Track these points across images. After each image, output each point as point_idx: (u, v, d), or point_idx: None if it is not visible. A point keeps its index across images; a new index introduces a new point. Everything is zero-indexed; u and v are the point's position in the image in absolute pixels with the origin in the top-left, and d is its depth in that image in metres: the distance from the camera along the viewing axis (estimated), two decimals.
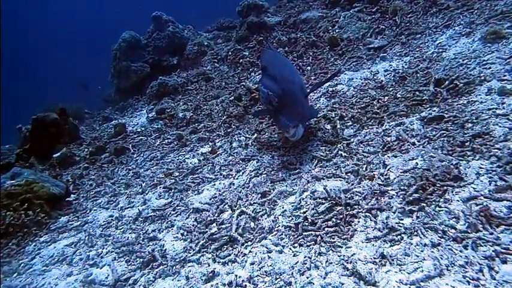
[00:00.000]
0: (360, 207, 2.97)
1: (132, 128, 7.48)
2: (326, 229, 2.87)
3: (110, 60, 10.54)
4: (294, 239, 2.90)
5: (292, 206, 3.29)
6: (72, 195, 5.18)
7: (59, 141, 7.03)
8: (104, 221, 4.26)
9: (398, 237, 2.55)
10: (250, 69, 7.84)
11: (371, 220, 2.81)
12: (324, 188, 3.24)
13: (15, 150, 7.30)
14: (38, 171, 5.72)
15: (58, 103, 9.71)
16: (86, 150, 6.81)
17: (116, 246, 3.62)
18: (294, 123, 3.65)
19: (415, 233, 2.53)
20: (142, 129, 7.17)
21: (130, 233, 3.81)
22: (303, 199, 3.32)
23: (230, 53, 8.91)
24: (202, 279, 2.83)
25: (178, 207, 4.00)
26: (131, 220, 4.07)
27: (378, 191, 3.05)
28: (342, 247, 2.67)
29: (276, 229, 3.10)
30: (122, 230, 3.94)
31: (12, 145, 7.97)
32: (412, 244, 2.45)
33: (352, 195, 3.13)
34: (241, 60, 8.33)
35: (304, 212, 3.13)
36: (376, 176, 3.25)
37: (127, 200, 4.61)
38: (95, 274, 3.34)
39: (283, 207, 3.33)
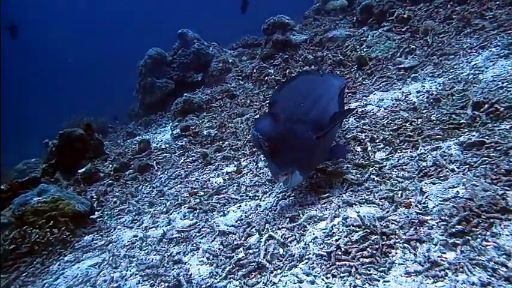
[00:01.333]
0: (397, 237, 2.79)
1: (156, 144, 7.47)
2: (361, 259, 2.69)
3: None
4: (327, 269, 2.73)
5: (324, 232, 3.12)
6: (96, 213, 5.14)
7: (84, 156, 7.08)
8: (128, 241, 4.18)
9: (442, 273, 2.36)
10: (275, 87, 7.77)
11: (410, 252, 2.63)
12: (358, 215, 3.08)
13: (41, 164, 7.39)
14: (63, 187, 5.73)
15: (83, 117, 9.85)
16: (110, 166, 6.82)
17: (140, 269, 3.52)
18: (286, 171, 3.34)
19: (461, 269, 2.33)
20: (167, 146, 7.15)
21: (154, 255, 3.70)
22: (335, 225, 3.15)
23: (255, 71, 8.87)
24: None
25: (204, 229, 3.89)
26: (156, 241, 3.97)
27: (416, 220, 2.86)
28: (379, 280, 2.49)
29: (306, 257, 2.93)
30: (146, 251, 3.85)
31: (38, 158, 8.08)
32: (458, 282, 2.26)
33: (388, 223, 2.95)
34: (266, 77, 8.28)
35: (337, 240, 2.95)
36: (413, 203, 3.08)
37: (151, 219, 4.54)
38: None
39: (313, 234, 3.17)
